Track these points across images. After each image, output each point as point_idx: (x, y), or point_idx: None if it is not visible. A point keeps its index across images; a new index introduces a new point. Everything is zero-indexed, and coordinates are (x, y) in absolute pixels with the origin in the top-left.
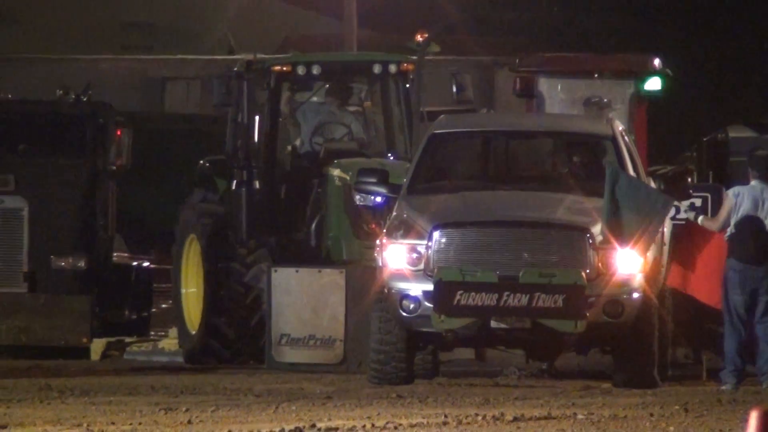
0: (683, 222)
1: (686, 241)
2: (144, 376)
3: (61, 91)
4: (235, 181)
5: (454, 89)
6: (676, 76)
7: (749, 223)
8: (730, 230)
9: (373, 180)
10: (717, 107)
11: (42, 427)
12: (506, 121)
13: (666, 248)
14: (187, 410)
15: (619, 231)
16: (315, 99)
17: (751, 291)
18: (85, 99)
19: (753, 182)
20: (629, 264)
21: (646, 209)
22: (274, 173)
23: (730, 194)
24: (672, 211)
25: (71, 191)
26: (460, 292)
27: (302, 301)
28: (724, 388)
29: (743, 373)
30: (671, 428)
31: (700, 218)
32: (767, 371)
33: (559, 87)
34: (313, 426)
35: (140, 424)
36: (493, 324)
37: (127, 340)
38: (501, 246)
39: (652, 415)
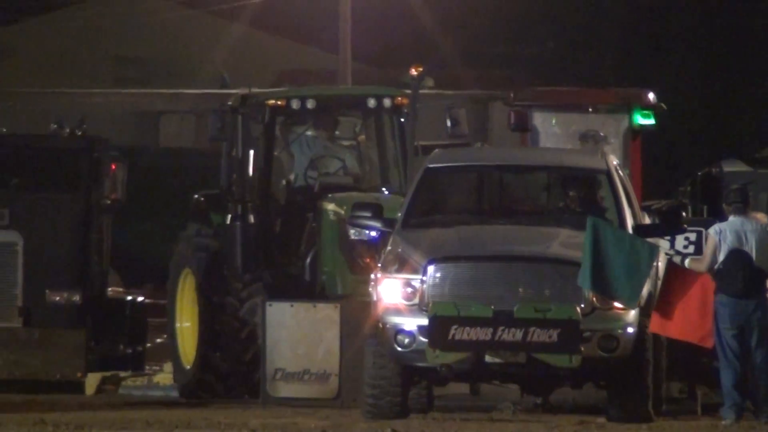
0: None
1: (663, 286)
2: (139, 411)
3: (55, 125)
4: (229, 216)
5: (449, 123)
6: (670, 110)
7: (737, 257)
8: (717, 266)
9: (368, 214)
10: (711, 141)
11: None
12: (501, 155)
13: (660, 283)
14: None
15: (608, 289)
16: (309, 133)
17: (741, 325)
18: (79, 133)
19: (731, 218)
20: None
21: (633, 262)
22: (268, 207)
23: (712, 233)
24: (667, 246)
25: (66, 225)
26: (454, 327)
27: (297, 335)
28: (724, 423)
29: (743, 407)
30: None
31: (687, 260)
32: (763, 406)
33: (554, 121)
34: None
35: None
36: (488, 359)
37: (122, 374)
38: (496, 280)
39: None
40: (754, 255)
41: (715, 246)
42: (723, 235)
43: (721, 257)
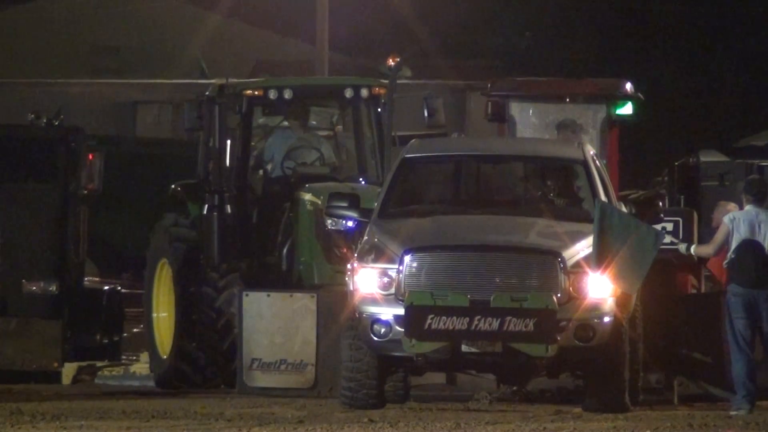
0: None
1: None
2: (115, 401)
3: (32, 116)
4: (206, 206)
5: (426, 113)
6: (647, 100)
7: (749, 247)
8: (729, 256)
9: (344, 204)
10: (688, 132)
11: None
12: (478, 145)
13: None
14: None
15: (610, 263)
16: (286, 123)
17: (754, 314)
18: (56, 123)
19: (747, 207)
20: (600, 288)
21: (637, 244)
22: (245, 197)
23: (726, 220)
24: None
25: (43, 216)
26: (431, 316)
27: (274, 325)
28: (736, 413)
29: (755, 396)
30: None
31: (693, 247)
32: None
33: (531, 111)
34: None
35: None
36: (464, 348)
37: (99, 364)
38: (472, 270)
39: None
40: (766, 245)
41: (727, 232)
42: (736, 223)
43: (733, 246)
